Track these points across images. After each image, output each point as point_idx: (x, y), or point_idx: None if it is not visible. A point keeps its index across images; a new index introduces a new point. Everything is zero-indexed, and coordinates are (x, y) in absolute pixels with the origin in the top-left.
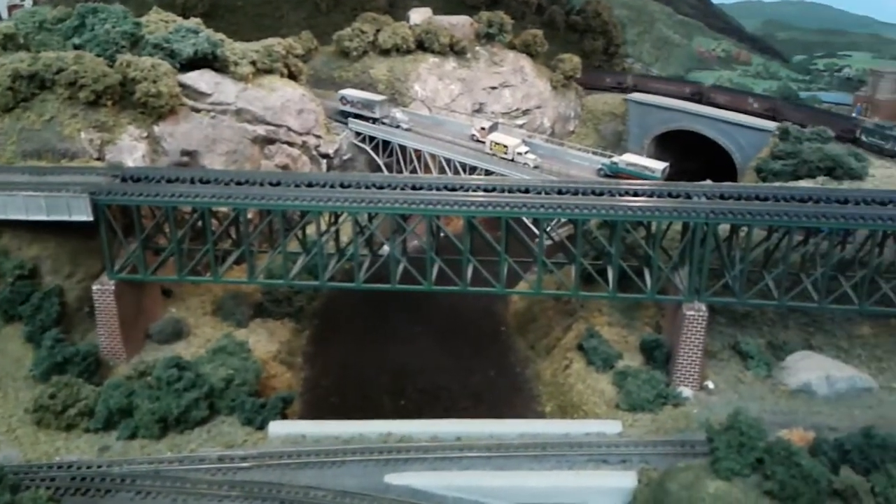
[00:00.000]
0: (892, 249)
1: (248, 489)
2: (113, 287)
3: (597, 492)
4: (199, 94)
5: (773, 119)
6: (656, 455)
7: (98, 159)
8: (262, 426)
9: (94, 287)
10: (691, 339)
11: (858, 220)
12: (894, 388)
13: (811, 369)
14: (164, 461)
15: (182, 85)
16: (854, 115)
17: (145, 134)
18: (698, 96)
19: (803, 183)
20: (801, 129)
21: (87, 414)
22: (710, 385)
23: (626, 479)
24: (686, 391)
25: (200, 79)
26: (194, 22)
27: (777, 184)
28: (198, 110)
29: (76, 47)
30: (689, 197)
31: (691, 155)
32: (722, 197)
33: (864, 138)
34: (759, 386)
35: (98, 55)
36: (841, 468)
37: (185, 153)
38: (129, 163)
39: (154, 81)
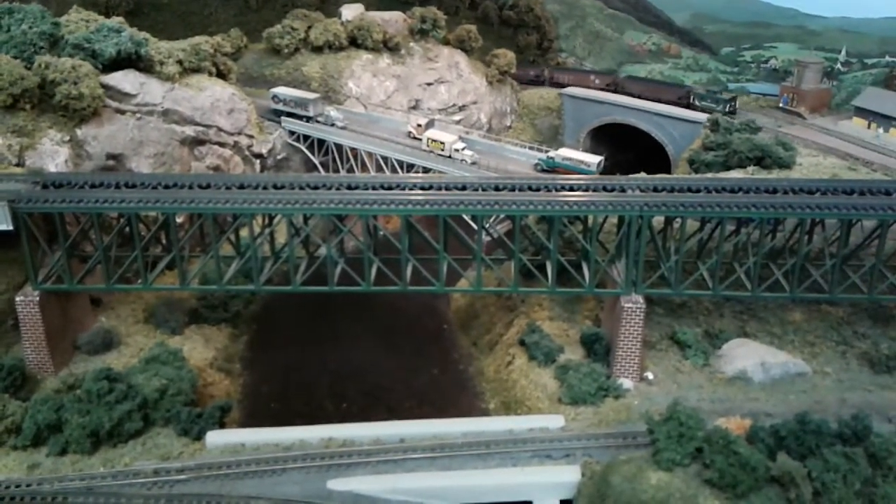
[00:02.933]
0: (820, 237)
1: (185, 502)
2: (37, 298)
3: (542, 487)
4: (123, 96)
5: (615, 92)
6: (599, 448)
7: (18, 165)
8: (199, 436)
9: (18, 298)
10: (630, 331)
11: (787, 209)
12: (827, 373)
13: (747, 356)
14: (96, 477)
15: (105, 86)
16: (781, 104)
17: (67, 138)
18: (542, 78)
19: (734, 173)
20: (730, 120)
21: (14, 431)
22: (650, 376)
23: (570, 474)
24: (626, 383)
25: (124, 79)
26: (117, 21)
27: (709, 175)
28: (123, 112)
29: None
30: (623, 190)
31: (626, 147)
32: (655, 189)
33: (697, 103)
34: (697, 375)
35: (15, 57)
36: (778, 454)
37: (110, 157)
38: (51, 168)
39: (75, 83)
